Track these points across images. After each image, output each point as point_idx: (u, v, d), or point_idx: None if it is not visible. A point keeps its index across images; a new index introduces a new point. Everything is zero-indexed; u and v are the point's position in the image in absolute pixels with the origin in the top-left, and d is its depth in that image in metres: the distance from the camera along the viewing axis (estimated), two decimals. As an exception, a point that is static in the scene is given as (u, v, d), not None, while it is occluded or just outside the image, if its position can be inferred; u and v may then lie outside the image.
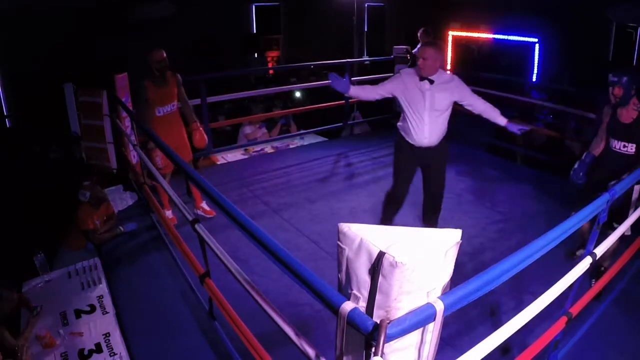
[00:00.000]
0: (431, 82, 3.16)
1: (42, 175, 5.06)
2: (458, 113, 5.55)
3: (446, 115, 3.28)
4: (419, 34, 6.48)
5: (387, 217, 3.74)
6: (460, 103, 3.32)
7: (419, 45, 6.58)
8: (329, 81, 3.21)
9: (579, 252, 3.24)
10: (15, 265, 3.50)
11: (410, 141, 3.33)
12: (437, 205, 3.68)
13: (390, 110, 6.59)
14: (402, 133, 3.39)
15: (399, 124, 3.42)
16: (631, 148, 2.99)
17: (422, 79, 3.18)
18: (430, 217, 3.70)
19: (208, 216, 4.23)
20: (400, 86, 3.24)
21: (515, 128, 3.29)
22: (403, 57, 6.22)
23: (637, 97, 2.93)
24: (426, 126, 3.23)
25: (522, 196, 4.66)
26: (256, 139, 6.35)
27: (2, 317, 2.72)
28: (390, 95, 3.33)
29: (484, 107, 3.37)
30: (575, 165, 3.27)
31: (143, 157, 3.97)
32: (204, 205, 4.30)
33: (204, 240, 2.40)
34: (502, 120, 3.33)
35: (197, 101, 5.33)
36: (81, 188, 3.85)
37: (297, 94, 8.03)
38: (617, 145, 3.08)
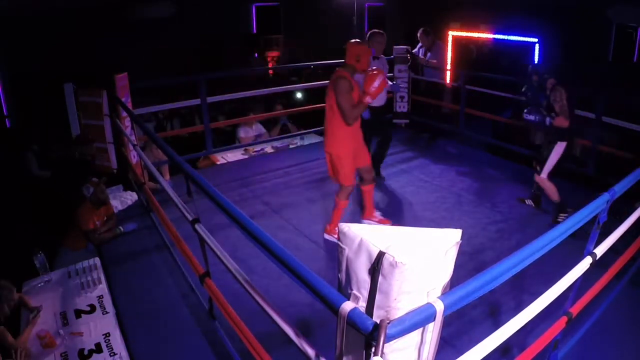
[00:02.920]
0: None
1: (42, 175, 5.06)
2: (458, 114, 5.55)
3: None
4: (418, 34, 6.49)
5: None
6: None
7: (419, 45, 6.59)
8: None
9: (527, 202, 4.47)
10: (15, 265, 3.50)
11: None
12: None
13: (390, 110, 6.59)
14: None
15: None
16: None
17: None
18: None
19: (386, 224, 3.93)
20: None
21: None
22: (403, 57, 6.22)
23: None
24: None
25: (522, 196, 4.65)
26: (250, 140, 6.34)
27: (2, 317, 2.72)
28: None
29: None
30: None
31: (143, 157, 3.98)
32: (378, 215, 4.11)
33: (204, 240, 2.40)
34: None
35: (197, 101, 5.34)
36: (87, 182, 3.85)
37: (299, 95, 8.03)
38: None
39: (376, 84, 3.42)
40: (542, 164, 4.02)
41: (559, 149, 3.93)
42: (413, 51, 6.49)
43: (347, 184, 3.73)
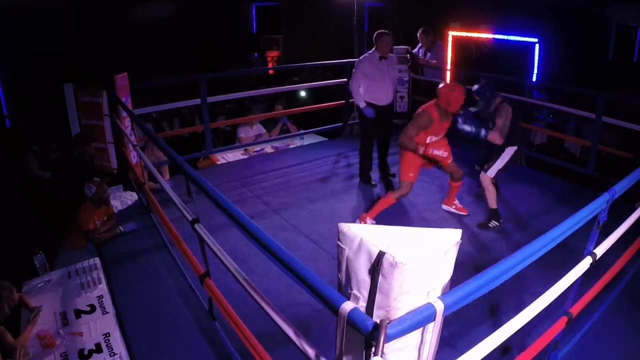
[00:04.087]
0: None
1: (43, 175, 5.06)
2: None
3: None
4: (418, 34, 6.49)
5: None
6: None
7: (418, 45, 6.59)
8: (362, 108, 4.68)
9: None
10: (15, 265, 3.50)
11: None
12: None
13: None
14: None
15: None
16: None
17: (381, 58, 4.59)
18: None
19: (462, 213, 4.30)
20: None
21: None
22: (403, 57, 6.23)
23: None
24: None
25: (522, 196, 4.66)
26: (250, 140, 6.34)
27: (2, 317, 2.72)
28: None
29: None
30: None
31: (143, 157, 3.98)
32: (457, 203, 4.36)
33: (203, 240, 2.40)
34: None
35: (198, 101, 5.34)
36: (89, 182, 3.85)
37: (302, 93, 8.04)
38: None
39: (438, 152, 3.84)
40: (490, 164, 4.02)
41: (509, 151, 3.98)
42: (413, 51, 6.49)
43: (405, 179, 4.02)
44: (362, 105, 4.63)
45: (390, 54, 4.71)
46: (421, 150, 3.83)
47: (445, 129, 3.93)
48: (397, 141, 4.07)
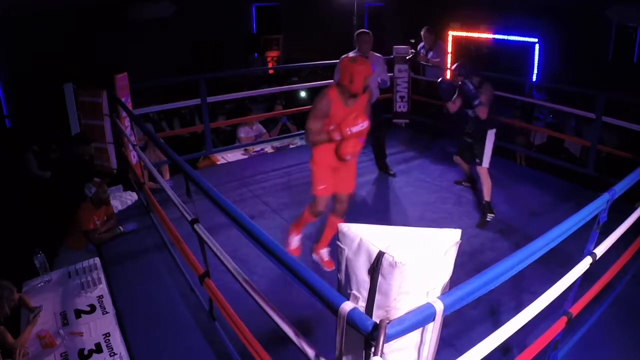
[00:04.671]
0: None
1: (42, 175, 5.06)
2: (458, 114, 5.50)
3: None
4: (422, 33, 6.48)
5: None
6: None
7: (421, 44, 6.58)
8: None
9: (465, 183, 4.79)
10: (15, 265, 3.50)
11: None
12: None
13: (390, 110, 6.59)
14: None
15: None
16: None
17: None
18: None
19: (325, 268, 3.50)
20: None
21: None
22: (403, 56, 6.23)
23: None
24: None
25: (522, 196, 4.66)
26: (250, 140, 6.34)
27: (2, 317, 2.72)
28: None
29: None
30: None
31: (143, 157, 3.98)
32: (324, 253, 3.57)
33: (203, 240, 2.40)
34: None
35: (198, 101, 5.34)
36: (89, 182, 3.85)
37: (302, 94, 8.03)
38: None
39: (355, 128, 3.00)
40: (480, 155, 4.15)
41: (491, 137, 4.14)
42: (418, 48, 6.49)
43: (314, 192, 3.30)
44: None
45: (374, 54, 4.71)
46: (337, 136, 3.01)
47: (355, 119, 3.02)
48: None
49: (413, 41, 6.28)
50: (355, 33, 4.67)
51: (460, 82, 4.02)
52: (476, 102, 3.98)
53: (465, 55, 8.21)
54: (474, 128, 4.23)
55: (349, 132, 3.00)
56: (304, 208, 3.47)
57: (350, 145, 3.10)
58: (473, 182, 4.73)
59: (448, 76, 4.22)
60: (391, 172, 5.15)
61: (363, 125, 3.03)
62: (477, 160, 4.19)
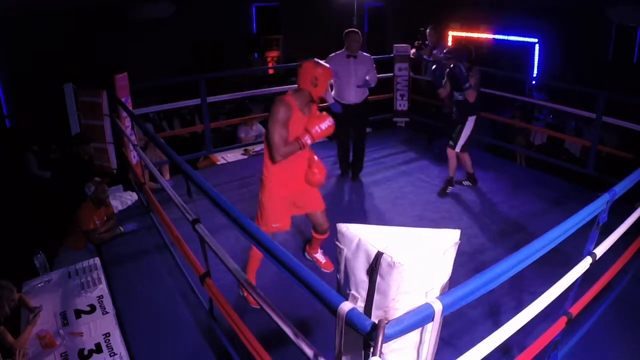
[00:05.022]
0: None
1: (42, 175, 5.06)
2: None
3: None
4: (427, 31, 6.47)
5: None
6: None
7: (426, 42, 6.57)
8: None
9: (465, 183, 4.83)
10: (15, 265, 3.50)
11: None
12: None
13: (390, 110, 6.59)
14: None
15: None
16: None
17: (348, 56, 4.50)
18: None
19: (324, 270, 3.43)
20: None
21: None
22: (403, 55, 6.23)
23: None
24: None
25: (522, 196, 4.66)
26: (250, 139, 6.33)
27: (2, 317, 2.72)
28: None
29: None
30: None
31: (143, 157, 3.98)
32: (320, 255, 3.50)
33: (204, 240, 2.40)
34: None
35: (198, 101, 5.34)
36: (89, 181, 3.85)
37: None
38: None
39: (323, 125, 2.79)
40: (456, 139, 4.44)
41: (470, 123, 4.37)
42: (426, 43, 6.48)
43: (262, 228, 2.77)
44: (330, 101, 4.63)
45: (363, 53, 4.70)
46: (308, 139, 2.77)
47: (320, 118, 2.84)
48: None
49: (419, 42, 6.27)
50: (345, 32, 4.64)
51: (452, 65, 4.21)
52: (466, 85, 4.17)
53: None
54: (459, 111, 4.44)
55: (318, 131, 2.78)
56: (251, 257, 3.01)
57: (321, 169, 2.95)
58: (474, 181, 4.78)
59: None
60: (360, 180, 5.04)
61: (329, 123, 2.82)
62: (451, 143, 4.48)
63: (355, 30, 4.65)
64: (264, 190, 2.98)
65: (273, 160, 2.82)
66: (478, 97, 4.34)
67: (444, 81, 4.46)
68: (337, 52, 4.67)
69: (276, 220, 2.97)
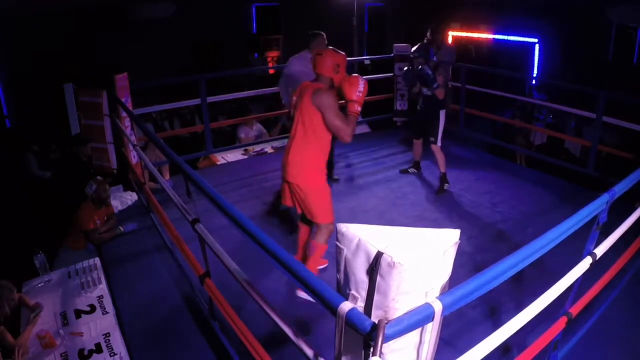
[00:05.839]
0: None
1: (42, 175, 5.07)
2: (457, 114, 5.53)
3: None
4: (428, 33, 6.47)
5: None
6: None
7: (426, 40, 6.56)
8: None
9: (410, 170, 5.15)
10: (15, 265, 3.50)
11: None
12: None
13: (390, 109, 6.59)
14: None
15: None
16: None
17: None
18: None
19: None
20: None
21: None
22: (403, 55, 6.24)
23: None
24: None
25: (522, 196, 4.66)
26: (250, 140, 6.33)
27: (2, 317, 2.72)
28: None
29: None
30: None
31: (143, 157, 3.98)
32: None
33: (204, 240, 2.40)
34: None
35: (198, 101, 5.34)
36: (91, 180, 3.85)
37: None
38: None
39: (361, 87, 2.87)
40: (435, 134, 4.61)
41: (442, 116, 4.59)
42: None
43: (326, 220, 3.01)
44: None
45: None
46: (357, 107, 2.89)
47: (354, 95, 2.94)
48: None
49: (420, 43, 6.27)
50: (309, 33, 4.50)
51: (419, 67, 4.38)
52: (435, 85, 4.37)
53: (465, 55, 8.21)
54: (428, 107, 4.63)
55: (359, 95, 2.87)
56: (312, 250, 3.08)
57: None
58: (418, 167, 5.15)
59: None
60: (334, 178, 5.00)
61: (362, 82, 2.89)
62: (432, 139, 4.64)
63: (321, 32, 4.51)
64: (318, 183, 3.00)
65: (345, 141, 2.92)
66: (447, 92, 4.57)
67: (415, 82, 4.61)
68: (300, 53, 4.55)
69: (331, 205, 3.06)
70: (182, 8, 9.12)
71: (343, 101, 2.92)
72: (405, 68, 4.73)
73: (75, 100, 4.64)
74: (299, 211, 3.13)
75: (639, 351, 2.63)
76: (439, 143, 4.63)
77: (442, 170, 4.71)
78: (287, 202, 3.12)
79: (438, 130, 4.60)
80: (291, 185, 3.01)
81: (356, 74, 2.97)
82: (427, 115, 4.65)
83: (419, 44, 4.57)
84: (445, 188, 4.68)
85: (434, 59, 6.03)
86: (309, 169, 2.97)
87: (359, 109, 2.90)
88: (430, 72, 4.32)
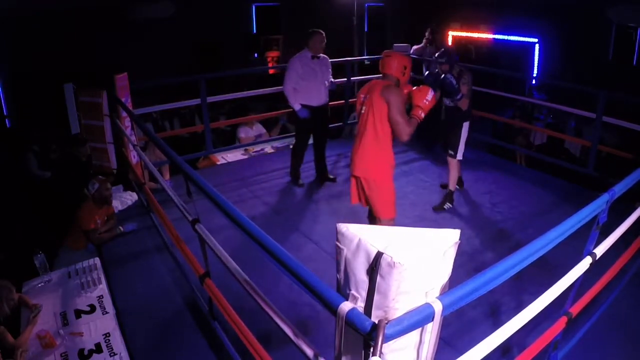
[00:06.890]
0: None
1: (43, 175, 5.06)
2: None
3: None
4: (428, 33, 6.48)
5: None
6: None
7: (426, 41, 6.58)
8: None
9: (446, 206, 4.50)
10: (15, 265, 3.50)
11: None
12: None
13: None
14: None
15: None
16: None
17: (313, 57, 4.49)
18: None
19: None
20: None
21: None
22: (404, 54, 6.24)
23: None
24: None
25: (522, 196, 4.66)
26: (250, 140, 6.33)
27: (2, 317, 2.72)
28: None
29: None
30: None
31: (143, 157, 3.98)
32: None
33: (204, 240, 2.40)
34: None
35: (198, 101, 5.34)
36: (93, 179, 3.85)
37: None
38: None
39: (429, 97, 3.12)
40: (455, 147, 4.27)
41: (465, 128, 4.26)
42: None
43: (389, 216, 3.19)
44: (297, 107, 4.57)
45: (323, 55, 4.65)
46: (422, 113, 3.12)
47: (423, 92, 3.22)
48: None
49: (444, 48, 6.28)
50: (309, 31, 4.55)
51: (442, 76, 4.01)
52: (458, 97, 4.05)
53: (466, 55, 8.21)
54: (451, 118, 4.35)
55: (426, 103, 3.11)
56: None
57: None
58: (461, 184, 4.74)
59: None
60: (331, 177, 5.05)
61: (431, 93, 3.14)
62: (451, 152, 4.29)
63: (319, 30, 4.56)
64: (384, 177, 3.17)
65: (402, 139, 3.10)
66: (470, 102, 4.22)
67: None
68: (300, 52, 4.58)
69: (395, 205, 3.20)
70: (182, 8, 9.12)
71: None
72: (427, 72, 4.44)
73: (75, 100, 4.63)
74: (364, 205, 3.31)
75: (639, 351, 2.63)
76: (459, 156, 4.26)
77: (451, 188, 4.36)
78: (354, 199, 3.32)
79: (459, 143, 4.24)
80: (359, 180, 3.20)
81: (425, 87, 3.20)
82: (448, 127, 4.35)
83: (442, 49, 4.27)
84: (445, 207, 4.35)
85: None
86: (379, 163, 3.15)
87: (423, 115, 3.11)
88: (454, 81, 3.94)
